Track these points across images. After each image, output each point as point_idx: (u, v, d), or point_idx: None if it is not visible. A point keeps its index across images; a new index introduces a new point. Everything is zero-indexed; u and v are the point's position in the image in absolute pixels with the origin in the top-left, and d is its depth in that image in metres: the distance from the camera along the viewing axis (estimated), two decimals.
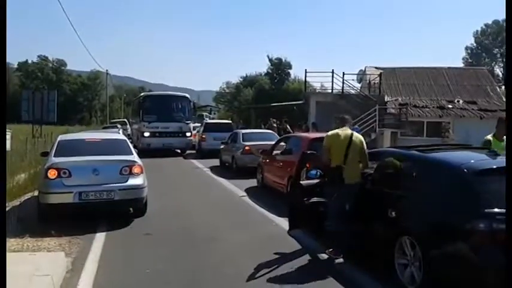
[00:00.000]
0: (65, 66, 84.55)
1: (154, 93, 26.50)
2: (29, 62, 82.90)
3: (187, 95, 24.13)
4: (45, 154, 9.21)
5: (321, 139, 9.95)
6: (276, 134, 17.30)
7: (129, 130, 35.06)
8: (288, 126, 22.74)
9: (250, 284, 5.28)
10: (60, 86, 71.30)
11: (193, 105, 24.17)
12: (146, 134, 21.41)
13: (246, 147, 14.87)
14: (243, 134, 16.29)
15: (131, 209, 8.50)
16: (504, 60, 67.41)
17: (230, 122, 27.20)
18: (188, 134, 22.14)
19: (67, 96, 73.50)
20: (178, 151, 22.34)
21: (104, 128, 37.82)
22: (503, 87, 50.46)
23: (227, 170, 15.94)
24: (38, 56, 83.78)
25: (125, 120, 47.23)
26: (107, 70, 57.40)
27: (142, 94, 25.62)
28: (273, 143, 13.78)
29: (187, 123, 22.34)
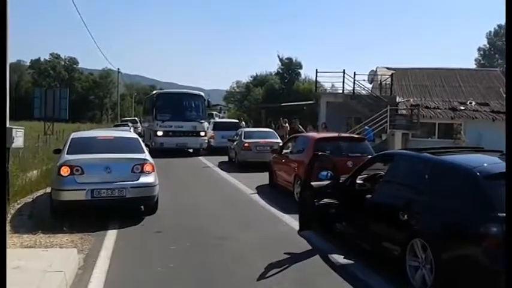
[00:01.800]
0: (76, 65, 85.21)
1: (168, 91, 25.61)
2: (42, 59, 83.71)
3: (201, 93, 23.40)
4: (58, 151, 9.31)
5: (327, 139, 11.14)
6: (276, 133, 18.93)
7: (139, 128, 35.25)
8: (300, 126, 22.70)
9: (260, 283, 5.29)
10: (72, 84, 71.95)
11: (207, 103, 23.41)
12: (159, 133, 20.77)
13: (245, 144, 16.70)
14: (244, 132, 18.20)
15: (142, 206, 8.56)
16: None
17: (237, 121, 28.35)
18: (202, 133, 21.46)
19: (79, 94, 74.13)
20: (191, 151, 21.70)
21: (115, 126, 38.03)
22: None
23: (235, 167, 16.90)
24: (51, 54, 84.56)
25: (136, 118, 47.49)
26: (118, 69, 57.83)
27: (155, 92, 24.90)
28: (272, 140, 16.73)
29: (202, 123, 21.63)
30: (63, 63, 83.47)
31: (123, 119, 51.73)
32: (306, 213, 6.97)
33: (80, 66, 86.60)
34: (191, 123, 21.14)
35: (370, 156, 9.90)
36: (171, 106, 21.38)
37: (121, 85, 66.17)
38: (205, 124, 22.04)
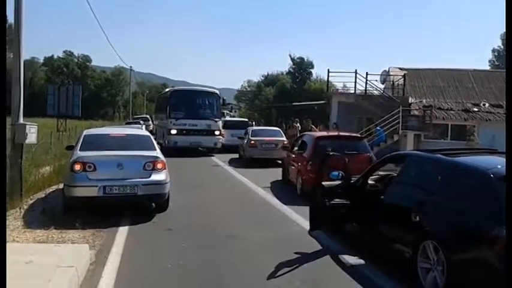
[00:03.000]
0: (89, 62, 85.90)
1: (182, 88, 24.32)
2: (55, 57, 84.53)
3: (216, 91, 22.55)
4: (70, 148, 9.40)
5: (326, 137, 11.86)
6: (286, 132, 19.99)
7: (151, 126, 35.39)
8: (313, 126, 22.56)
9: (270, 282, 5.29)
10: (85, 82, 72.52)
11: (222, 101, 22.64)
12: (173, 132, 20.26)
13: (252, 142, 17.73)
14: (252, 130, 19.23)
15: (153, 204, 8.61)
16: None
17: (247, 120, 28.57)
18: (217, 132, 20.91)
19: (91, 92, 74.76)
20: (204, 150, 21.20)
21: (127, 123, 38.28)
22: None
23: (244, 164, 17.61)
24: (64, 52, 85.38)
25: (147, 116, 47.75)
26: (130, 67, 58.12)
27: (169, 89, 23.56)
28: (278, 138, 17.78)
29: (216, 121, 21.05)
30: (76, 60, 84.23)
31: (135, 116, 52.06)
32: (317, 213, 6.96)
33: (92, 63, 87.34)
34: (205, 121, 20.65)
35: (369, 154, 11.10)
36: (185, 104, 20.92)
37: (133, 83, 66.58)
38: (220, 123, 21.50)
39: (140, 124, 34.30)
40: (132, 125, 29.96)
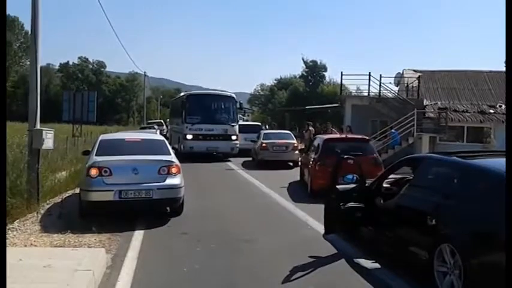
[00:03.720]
0: (104, 68, 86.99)
1: (198, 92, 24.10)
2: (70, 63, 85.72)
3: (233, 95, 22.04)
4: (87, 153, 9.50)
5: (334, 139, 12.59)
6: (302, 135, 21.01)
7: (164, 131, 35.58)
8: (334, 129, 22.41)
9: (285, 286, 5.28)
10: (100, 87, 73.36)
11: (239, 105, 22.23)
12: (189, 137, 19.76)
13: (263, 144, 18.26)
14: (264, 133, 19.84)
15: (168, 208, 8.66)
16: None
17: (260, 123, 28.72)
18: (234, 137, 20.38)
19: (106, 97, 75.59)
20: (221, 155, 20.70)
21: (142, 128, 38.64)
22: None
23: (256, 166, 18.10)
24: (79, 58, 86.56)
25: (161, 121, 48.10)
26: (144, 72, 58.69)
27: (185, 93, 23.40)
28: (288, 141, 18.42)
29: (233, 126, 20.51)
30: (91, 66, 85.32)
31: (149, 121, 52.50)
32: (332, 217, 6.93)
33: (107, 69, 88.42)
34: (222, 126, 20.20)
35: (374, 155, 11.65)
36: (201, 108, 20.46)
37: (147, 88, 67.14)
38: (237, 127, 20.88)
39: (154, 129, 34.62)
40: (147, 130, 30.27)
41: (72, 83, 77.20)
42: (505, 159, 5.73)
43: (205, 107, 20.69)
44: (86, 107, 31.29)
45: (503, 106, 23.01)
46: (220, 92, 22.51)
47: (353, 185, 6.95)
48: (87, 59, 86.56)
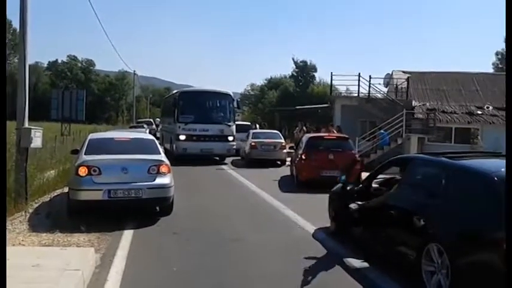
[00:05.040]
0: (93, 66, 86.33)
1: (192, 89, 21.76)
2: (59, 61, 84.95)
3: (229, 92, 20.41)
4: (75, 152, 9.44)
5: (317, 138, 14.08)
6: (280, 134, 20.70)
7: (154, 130, 35.35)
8: (334, 130, 22.42)
9: (275, 286, 5.31)
10: (89, 86, 72.82)
11: (236, 104, 20.50)
12: (182, 137, 18.36)
13: (252, 143, 18.60)
14: (253, 132, 20.15)
15: (158, 207, 8.64)
16: None
17: (249, 123, 28.76)
18: (230, 138, 19.04)
19: (95, 96, 74.99)
20: (217, 158, 19.44)
21: (131, 127, 38.48)
22: None
23: (245, 164, 18.48)
24: (68, 56, 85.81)
25: (151, 120, 47.91)
26: (134, 71, 58.42)
27: (177, 90, 21.39)
28: (277, 140, 19.02)
29: (230, 126, 19.16)
30: (80, 65, 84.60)
31: (139, 120, 52.27)
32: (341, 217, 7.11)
33: (96, 68, 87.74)
34: (218, 126, 18.87)
35: (352, 152, 12.93)
36: (195, 106, 19.03)
37: (137, 87, 66.81)
38: (234, 127, 19.49)
39: (144, 128, 34.47)
40: (136, 129, 30.12)
41: (61, 81, 76.51)
42: (493, 159, 5.85)
43: (200, 105, 19.30)
44: (74, 105, 31.00)
45: (491, 107, 23.30)
46: (215, 89, 20.51)
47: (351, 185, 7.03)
48: (76, 57, 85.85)
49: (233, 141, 19.15)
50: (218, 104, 19.98)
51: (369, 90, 22.48)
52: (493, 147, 17.37)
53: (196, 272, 5.66)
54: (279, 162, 18.39)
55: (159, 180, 8.15)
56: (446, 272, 4.71)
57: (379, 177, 7.15)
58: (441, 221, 5.03)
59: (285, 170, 16.24)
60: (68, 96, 31.23)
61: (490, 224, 4.45)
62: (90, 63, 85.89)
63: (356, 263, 6.08)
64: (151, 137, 10.33)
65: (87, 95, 37.70)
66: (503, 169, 4.93)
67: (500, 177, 4.69)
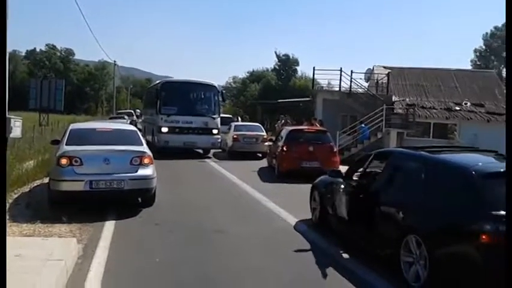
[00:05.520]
0: (72, 56, 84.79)
1: (175, 80, 20.67)
2: (37, 50, 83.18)
3: (215, 84, 19.82)
4: (56, 142, 9.34)
5: (298, 130, 14.64)
6: (262, 127, 21.07)
7: (135, 121, 34.96)
8: (318, 125, 22.55)
9: (258, 276, 5.38)
10: (68, 75, 71.52)
11: (221, 96, 19.87)
12: (164, 130, 17.70)
13: (234, 136, 18.87)
14: (235, 125, 20.48)
15: (140, 199, 8.63)
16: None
17: (231, 116, 28.76)
18: (215, 131, 18.41)
19: (74, 86, 73.72)
20: (201, 152, 19.06)
21: (111, 118, 38.03)
22: None
23: (226, 157, 18.50)
24: (47, 45, 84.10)
25: (132, 111, 47.43)
26: (114, 61, 57.63)
27: (160, 81, 20.52)
28: (258, 133, 19.28)
29: (215, 118, 18.51)
30: (59, 54, 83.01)
31: (119, 111, 51.64)
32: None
33: (75, 57, 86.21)
34: (202, 118, 18.20)
35: (331, 144, 13.66)
36: (178, 98, 18.30)
37: (117, 77, 65.89)
38: (219, 120, 18.85)
39: (125, 119, 34.09)
40: (117, 120, 29.78)
41: (39, 70, 74.96)
42: (471, 154, 6.02)
43: (183, 96, 18.54)
44: (53, 95, 30.55)
45: (469, 103, 23.78)
46: (199, 80, 19.81)
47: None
48: (54, 46, 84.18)
49: (218, 134, 18.61)
50: (202, 96, 19.35)
51: (351, 85, 22.72)
52: (470, 142, 17.78)
53: (179, 263, 5.69)
54: (260, 155, 18.46)
55: (142, 172, 8.13)
56: (424, 263, 4.85)
57: (359, 170, 7.26)
58: (420, 213, 5.17)
59: (265, 162, 16.38)
60: (47, 85, 30.72)
61: (468, 217, 4.59)
62: (70, 52, 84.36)
63: (337, 254, 6.21)
64: (133, 127, 10.28)
65: (66, 85, 37.11)
66: (480, 163, 5.11)
67: (478, 171, 4.84)
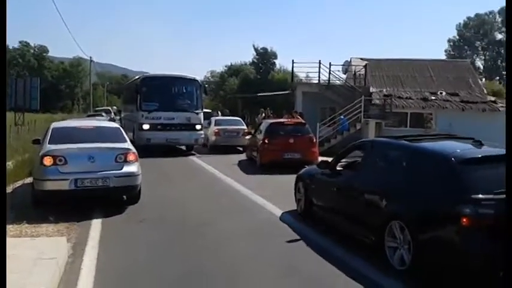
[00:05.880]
0: (46, 53, 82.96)
1: (156, 74, 19.81)
2: (10, 47, 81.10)
3: (196, 78, 19.33)
4: (37, 141, 9.25)
5: (277, 123, 15.01)
6: (242, 120, 21.51)
7: (113, 118, 34.59)
8: (299, 117, 22.68)
9: (245, 268, 5.49)
10: (42, 73, 70.02)
11: (204, 90, 19.48)
12: (145, 127, 17.11)
13: (215, 130, 19.12)
14: (215, 120, 20.60)
15: (125, 196, 8.64)
16: (484, 53, 68.64)
17: (210, 110, 28.54)
18: (198, 126, 17.90)
19: (49, 84, 72.26)
20: (184, 148, 18.70)
21: (88, 116, 37.51)
22: (484, 79, 51.59)
23: (208, 151, 18.60)
24: (20, 42, 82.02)
25: (109, 108, 46.88)
26: (90, 57, 56.72)
27: (140, 76, 19.82)
28: (239, 127, 19.58)
29: (197, 114, 17.96)
30: (32, 51, 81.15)
31: (97, 108, 50.96)
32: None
33: (50, 54, 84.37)
34: (184, 114, 17.64)
35: (310, 135, 14.11)
36: (159, 93, 17.73)
37: (93, 74, 64.93)
38: (202, 115, 18.37)
39: (103, 116, 33.69)
40: (95, 118, 29.39)
41: (12, 68, 73.18)
42: (449, 141, 6.25)
43: (164, 91, 17.96)
44: (28, 94, 29.89)
45: (444, 93, 24.30)
46: (181, 74, 19.25)
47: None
48: (28, 43, 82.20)
49: (201, 130, 18.16)
50: (184, 91, 18.76)
51: (329, 77, 22.98)
52: (446, 131, 18.23)
53: (169, 258, 5.74)
54: (241, 148, 18.52)
55: (127, 169, 8.14)
56: (408, 247, 5.06)
57: (342, 160, 7.44)
58: (402, 199, 5.37)
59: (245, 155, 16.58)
60: (22, 84, 30.04)
61: (448, 201, 4.80)
62: (43, 49, 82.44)
63: (323, 242, 6.37)
64: (116, 125, 10.25)
65: (41, 83, 36.40)
66: (458, 150, 5.32)
67: (457, 157, 5.05)
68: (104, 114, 37.56)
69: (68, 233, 6.62)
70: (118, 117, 30.90)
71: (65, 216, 7.30)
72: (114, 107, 53.37)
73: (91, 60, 56.97)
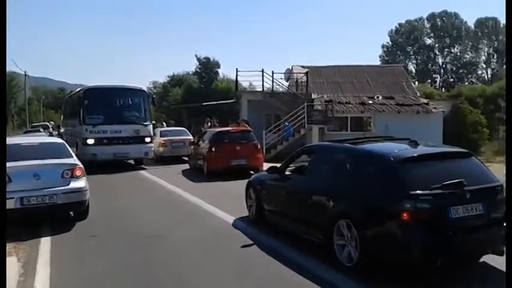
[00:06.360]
0: None
1: (100, 86, 18.26)
2: None
3: (143, 88, 18.85)
4: None
5: (223, 132, 15.25)
6: (187, 131, 21.82)
7: (53, 134, 33.28)
8: (246, 125, 22.87)
9: (203, 274, 5.60)
10: None
11: (152, 100, 18.69)
12: (90, 142, 16.09)
13: (162, 142, 19.29)
14: (160, 131, 20.68)
15: (72, 212, 8.47)
16: (416, 57, 72.55)
17: (154, 122, 28.02)
18: (148, 139, 17.07)
19: None
20: (132, 162, 17.82)
21: (25, 132, 35.84)
22: (416, 82, 54.51)
23: (154, 162, 18.35)
24: None
25: (47, 123, 45.06)
26: (25, 72, 54.30)
27: (82, 88, 18.45)
28: (185, 137, 19.79)
29: (146, 125, 17.11)
30: None
31: (34, 124, 48.74)
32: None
33: None
34: (132, 126, 16.74)
35: (255, 142, 14.53)
36: (104, 105, 16.80)
37: (27, 88, 62.08)
38: (151, 127, 17.62)
39: (40, 132, 32.33)
40: (33, 134, 28.15)
41: None
42: (387, 143, 6.68)
43: (110, 103, 17.04)
44: None
45: (380, 97, 25.50)
46: (127, 85, 18.33)
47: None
48: None
49: (151, 142, 17.41)
50: (131, 102, 17.82)
51: (272, 85, 23.55)
52: (383, 132, 19.28)
53: (124, 270, 5.75)
54: (186, 158, 18.45)
55: (74, 184, 8.01)
56: (355, 243, 5.38)
57: (291, 165, 7.73)
58: (348, 199, 5.71)
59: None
60: None
61: (390, 198, 5.17)
62: None
63: (276, 246, 6.59)
64: (60, 140, 10.01)
65: None
66: (396, 150, 5.74)
67: (396, 157, 5.46)
68: (41, 129, 36.02)
69: (16, 252, 6.43)
70: (56, 133, 29.50)
71: (11, 236, 6.99)
72: (52, 122, 51.32)
73: (26, 75, 54.52)
